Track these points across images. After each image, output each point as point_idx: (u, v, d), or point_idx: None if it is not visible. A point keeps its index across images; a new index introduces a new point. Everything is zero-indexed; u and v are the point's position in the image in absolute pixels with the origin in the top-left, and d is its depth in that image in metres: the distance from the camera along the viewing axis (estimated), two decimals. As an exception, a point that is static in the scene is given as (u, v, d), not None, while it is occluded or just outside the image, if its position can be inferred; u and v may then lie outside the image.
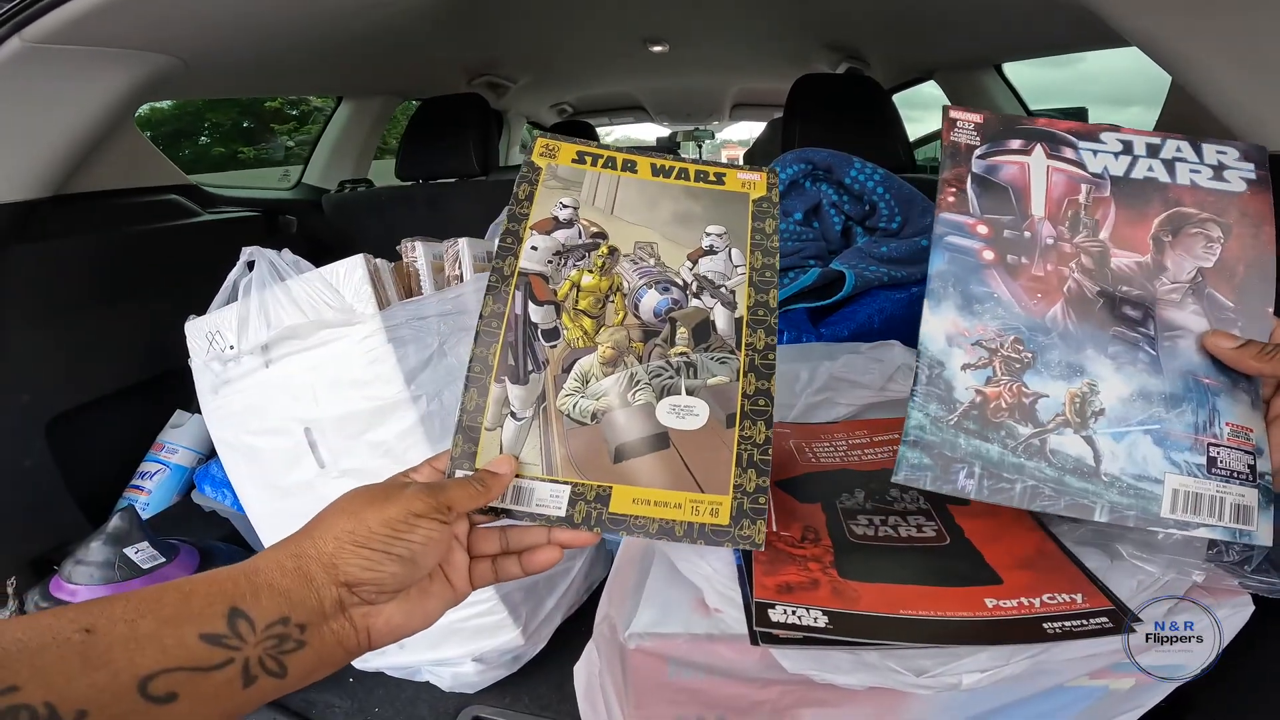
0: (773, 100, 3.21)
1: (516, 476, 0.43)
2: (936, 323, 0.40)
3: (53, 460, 1.00)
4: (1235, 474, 0.38)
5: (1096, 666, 0.45)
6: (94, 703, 0.26)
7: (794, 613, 0.39)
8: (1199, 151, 0.44)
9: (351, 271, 0.69)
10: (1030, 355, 0.40)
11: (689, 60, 2.52)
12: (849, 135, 1.29)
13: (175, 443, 1.15)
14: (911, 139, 1.82)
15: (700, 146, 5.62)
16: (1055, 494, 0.36)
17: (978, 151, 0.45)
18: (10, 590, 0.82)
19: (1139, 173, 0.43)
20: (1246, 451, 0.39)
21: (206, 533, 0.99)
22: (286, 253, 0.75)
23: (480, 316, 0.46)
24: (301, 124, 3.91)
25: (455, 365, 0.71)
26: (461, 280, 0.77)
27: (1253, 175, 0.43)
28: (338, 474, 0.71)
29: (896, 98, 2.04)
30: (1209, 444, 0.39)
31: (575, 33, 2.06)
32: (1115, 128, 0.45)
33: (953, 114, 0.47)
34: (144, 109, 1.21)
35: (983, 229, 0.42)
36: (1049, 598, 0.41)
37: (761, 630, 0.38)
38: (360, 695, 0.81)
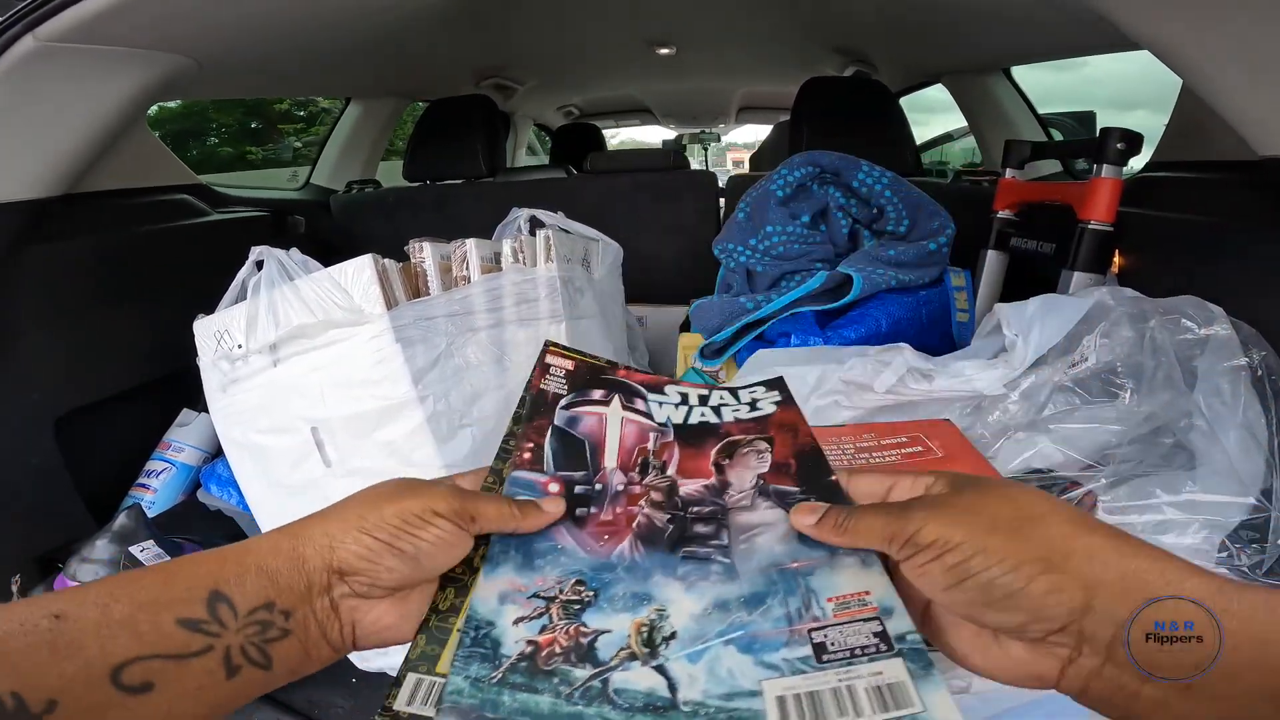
0: (779, 103, 3.22)
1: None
2: (490, 587, 0.35)
3: (60, 458, 1.00)
4: (859, 650, 0.31)
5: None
6: (65, 693, 0.24)
7: None
8: (737, 395, 0.49)
9: (360, 271, 0.69)
10: (592, 593, 0.36)
11: (696, 63, 2.53)
12: (856, 138, 1.29)
13: (182, 441, 1.16)
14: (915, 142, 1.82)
15: (706, 149, 5.62)
16: None
17: (563, 402, 0.46)
18: (15, 588, 0.82)
19: (695, 419, 0.47)
20: (867, 619, 0.32)
21: (212, 531, 0.99)
22: (295, 252, 0.75)
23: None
24: (309, 125, 3.93)
25: (462, 366, 0.72)
26: (469, 281, 0.77)
27: (779, 399, 0.48)
28: (344, 473, 0.71)
29: (900, 101, 2.03)
30: (810, 630, 0.33)
31: (583, 35, 2.07)
32: (675, 381, 0.50)
33: (549, 358, 0.48)
34: (152, 109, 1.22)
35: (554, 487, 0.41)
36: None
37: None
38: (363, 694, 0.81)
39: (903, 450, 0.58)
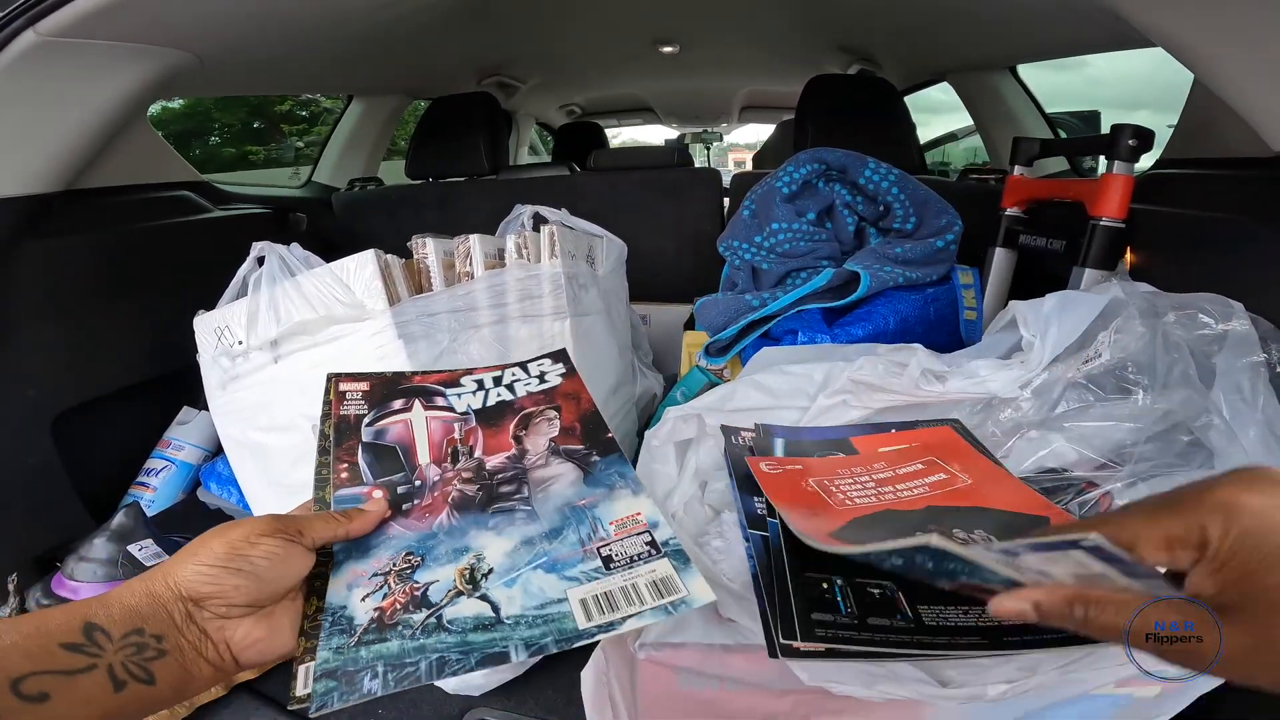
0: (782, 103, 3.20)
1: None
2: (339, 582, 0.41)
3: (58, 457, 0.99)
4: (635, 558, 0.40)
5: (1124, 675, 0.44)
6: None
7: None
8: (526, 369, 0.57)
9: (362, 267, 0.68)
10: (419, 558, 0.42)
11: (699, 62, 2.52)
12: (861, 136, 1.28)
13: (182, 439, 1.15)
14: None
15: (708, 149, 5.61)
16: (464, 655, 0.36)
17: (366, 420, 0.51)
18: (11, 587, 0.81)
19: (493, 400, 0.54)
20: (639, 534, 0.42)
21: (212, 530, 0.98)
22: (296, 247, 0.74)
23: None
24: (311, 125, 3.93)
25: (465, 362, 0.71)
26: (472, 277, 0.76)
27: (564, 370, 0.57)
28: (345, 472, 0.70)
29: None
30: (599, 548, 0.41)
31: (586, 33, 2.06)
32: (470, 371, 0.56)
33: (342, 386, 0.53)
34: (154, 108, 1.21)
35: (378, 494, 0.46)
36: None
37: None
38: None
39: (926, 480, 0.53)
